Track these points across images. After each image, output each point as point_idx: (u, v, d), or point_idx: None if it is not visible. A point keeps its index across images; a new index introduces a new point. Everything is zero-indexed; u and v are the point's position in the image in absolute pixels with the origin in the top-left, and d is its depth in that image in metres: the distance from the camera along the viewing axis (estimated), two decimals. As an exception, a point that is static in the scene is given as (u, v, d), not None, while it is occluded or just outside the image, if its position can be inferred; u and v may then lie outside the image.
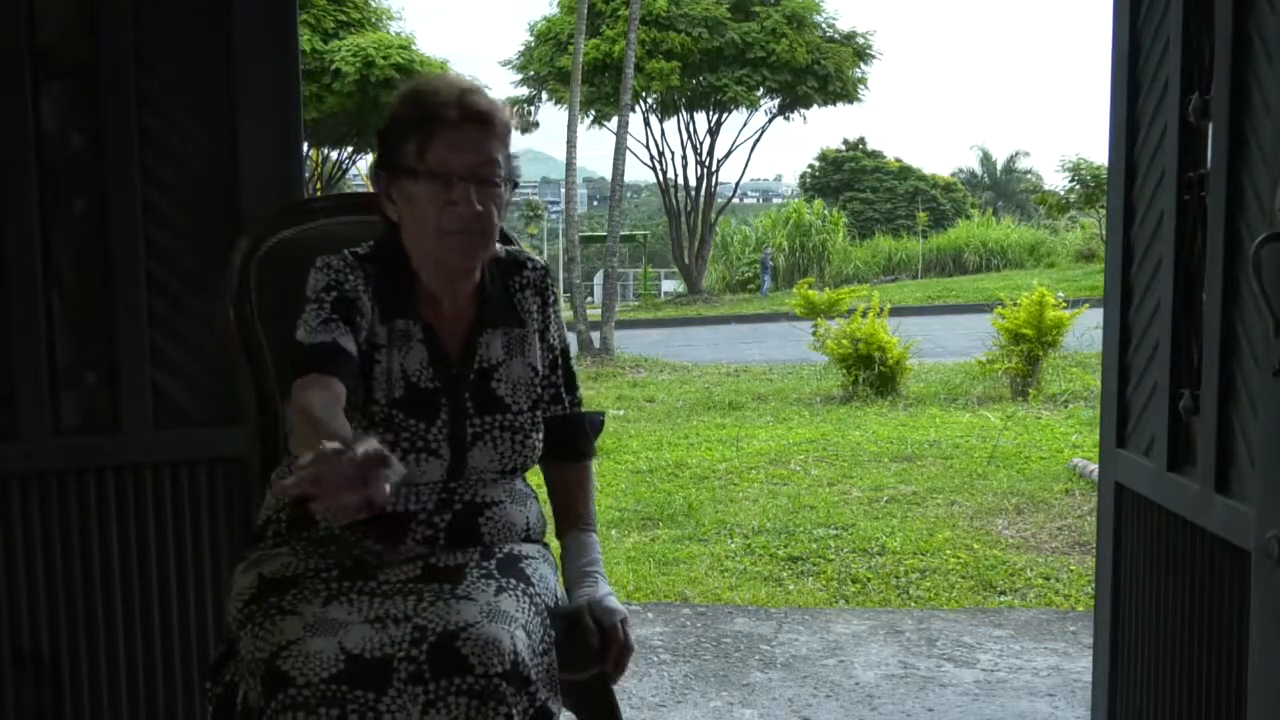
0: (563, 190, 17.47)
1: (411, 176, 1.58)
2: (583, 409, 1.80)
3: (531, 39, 23.85)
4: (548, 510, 1.80)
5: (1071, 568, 4.46)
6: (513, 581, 1.55)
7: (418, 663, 1.40)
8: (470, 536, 1.62)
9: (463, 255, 1.61)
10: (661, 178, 25.34)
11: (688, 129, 25.06)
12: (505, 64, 24.85)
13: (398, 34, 19.37)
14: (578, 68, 14.77)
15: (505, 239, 1.85)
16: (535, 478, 1.79)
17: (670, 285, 30.61)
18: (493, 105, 1.61)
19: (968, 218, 33.94)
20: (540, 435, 1.70)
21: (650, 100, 23.99)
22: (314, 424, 1.39)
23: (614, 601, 1.70)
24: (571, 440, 1.78)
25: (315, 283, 1.61)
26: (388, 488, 1.24)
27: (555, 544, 1.80)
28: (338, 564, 1.56)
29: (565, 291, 14.16)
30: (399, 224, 1.64)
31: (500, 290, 1.70)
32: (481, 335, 1.67)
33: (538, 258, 1.78)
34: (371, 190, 1.73)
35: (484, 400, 1.64)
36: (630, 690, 3.09)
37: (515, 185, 1.66)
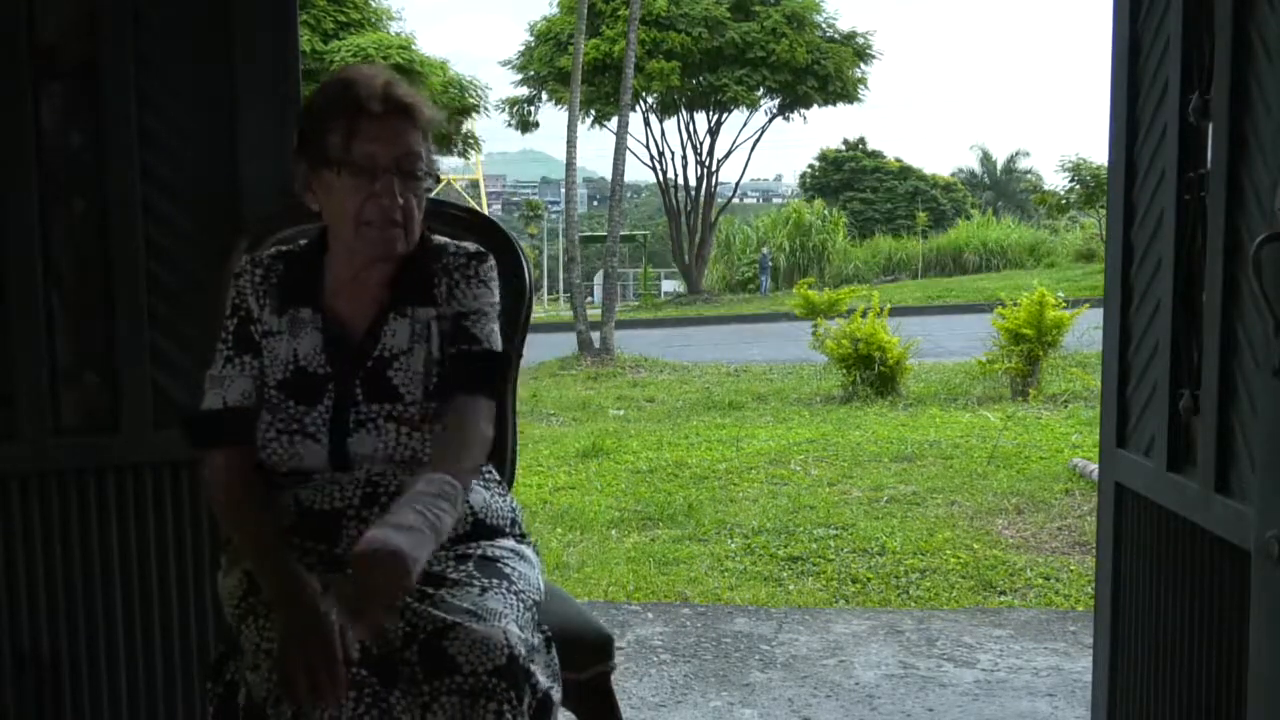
0: (563, 190, 17.47)
1: (335, 168, 1.58)
2: (471, 345, 1.64)
3: (531, 39, 23.84)
4: (532, 498, 1.77)
5: (1071, 568, 4.46)
6: (495, 581, 1.55)
7: (412, 665, 1.42)
8: None
9: (381, 247, 1.60)
10: (661, 178, 25.32)
11: (688, 129, 25.07)
12: (505, 64, 24.85)
13: (398, 34, 19.34)
14: (578, 68, 14.76)
15: (489, 225, 1.84)
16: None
17: (670, 285, 30.59)
18: (416, 98, 1.62)
19: (968, 218, 33.90)
20: (438, 425, 1.62)
21: (650, 100, 23.98)
22: (251, 547, 1.54)
23: (388, 534, 1.38)
24: (454, 377, 1.63)
25: (228, 299, 1.69)
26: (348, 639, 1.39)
27: (539, 538, 1.78)
28: (317, 551, 1.57)
29: (565, 291, 14.14)
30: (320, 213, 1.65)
31: (418, 277, 1.66)
32: (388, 323, 1.64)
33: (472, 246, 1.71)
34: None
35: (376, 388, 1.61)
36: (630, 690, 3.09)
37: (436, 180, 1.67)
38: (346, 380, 1.61)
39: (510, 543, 1.68)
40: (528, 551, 1.70)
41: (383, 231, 1.59)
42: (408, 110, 1.60)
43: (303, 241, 1.73)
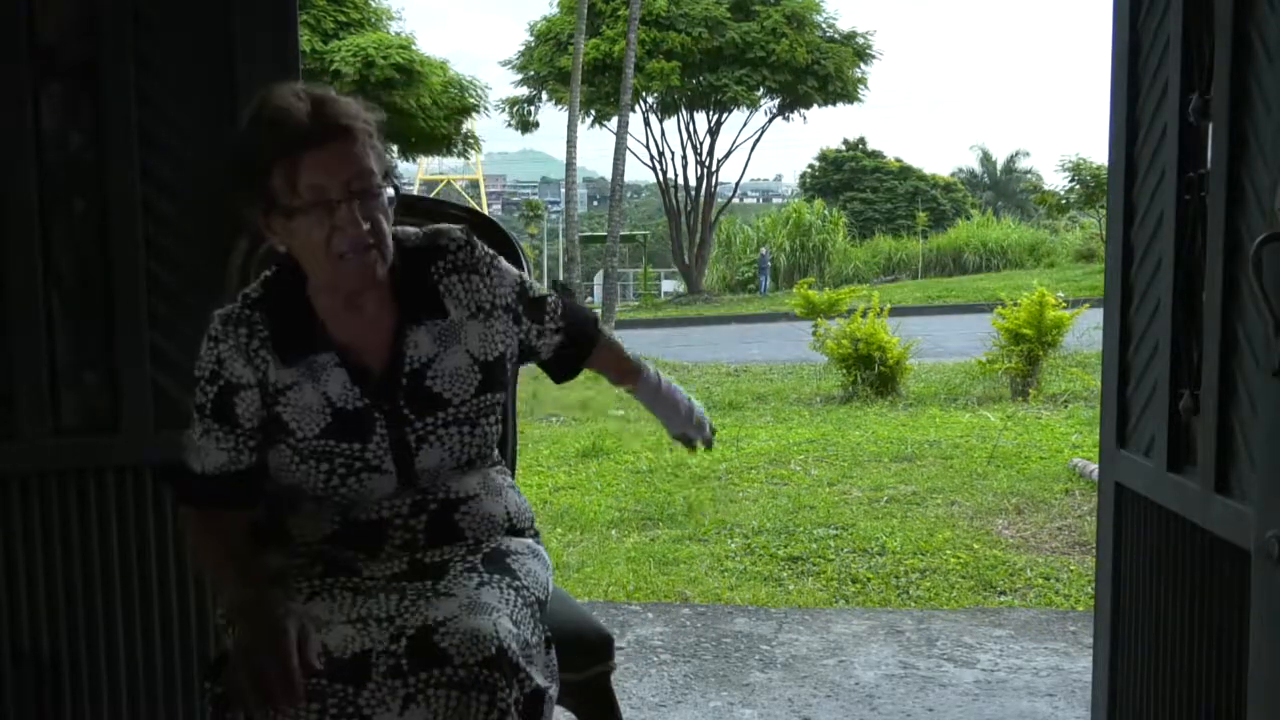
0: (563, 190, 17.49)
1: (288, 213, 1.48)
2: (563, 310, 1.73)
3: (531, 39, 23.87)
4: (532, 498, 1.79)
5: (1071, 568, 4.46)
6: (496, 576, 1.55)
7: (396, 656, 1.41)
8: (450, 533, 1.61)
9: (361, 276, 1.52)
10: (661, 178, 25.33)
11: (688, 129, 25.09)
12: (505, 64, 24.88)
13: (398, 34, 19.33)
14: (578, 68, 14.78)
15: (489, 225, 1.84)
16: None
17: (670, 285, 30.59)
18: (350, 111, 1.50)
19: (968, 218, 33.91)
20: (494, 417, 1.64)
21: (650, 100, 23.99)
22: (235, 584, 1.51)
23: (689, 413, 1.87)
24: (573, 352, 1.77)
25: (199, 363, 1.56)
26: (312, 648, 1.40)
27: (546, 535, 1.79)
28: (321, 560, 1.57)
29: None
30: (288, 252, 1.56)
31: (419, 282, 1.60)
32: (406, 336, 1.58)
33: (454, 229, 1.64)
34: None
35: (422, 401, 1.58)
36: (630, 690, 3.09)
37: (396, 188, 1.56)
38: (390, 404, 1.57)
39: (529, 541, 1.69)
40: (542, 550, 1.71)
41: (360, 258, 1.49)
42: (346, 131, 1.48)
43: (260, 284, 1.60)
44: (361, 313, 1.57)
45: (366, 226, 1.48)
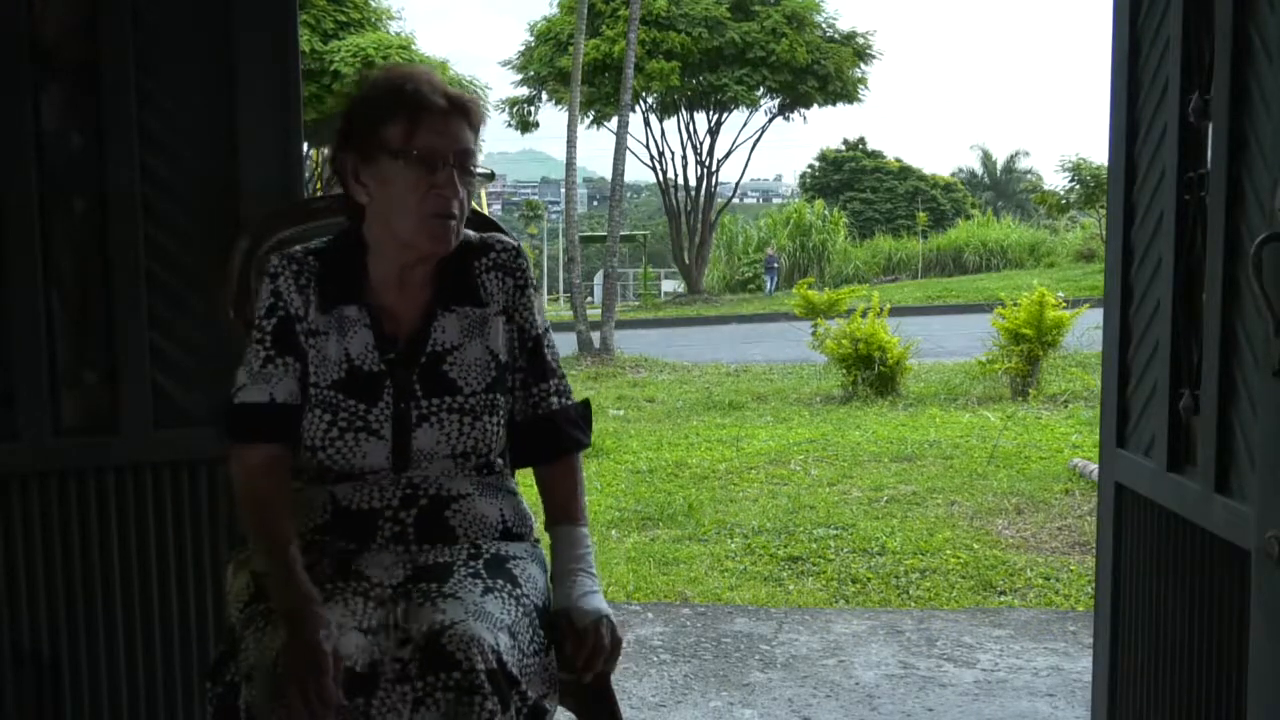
0: (563, 190, 17.47)
1: (395, 158, 1.56)
2: (561, 399, 1.73)
3: (531, 39, 23.85)
4: (531, 498, 1.79)
5: (1071, 568, 4.46)
6: (499, 582, 1.55)
7: (404, 662, 1.42)
8: (441, 531, 1.62)
9: (438, 240, 1.60)
10: (661, 178, 25.33)
11: (688, 129, 25.08)
12: (505, 64, 24.86)
13: (398, 34, 19.33)
14: (578, 68, 14.77)
15: (489, 224, 1.85)
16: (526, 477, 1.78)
17: (670, 285, 30.60)
18: (472, 97, 1.64)
19: (968, 218, 33.94)
20: (497, 419, 1.66)
21: (650, 100, 23.98)
22: (270, 555, 1.51)
23: (594, 600, 1.62)
24: (548, 439, 1.72)
25: (260, 299, 1.64)
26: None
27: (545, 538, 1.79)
28: (326, 558, 1.57)
29: (565, 291, 14.14)
30: (364, 207, 1.63)
31: (461, 272, 1.68)
32: (437, 319, 1.65)
33: (510, 239, 1.75)
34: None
35: (434, 382, 1.62)
36: (630, 690, 3.09)
37: (490, 178, 1.69)
38: (403, 376, 1.61)
39: (526, 545, 1.70)
40: (542, 554, 1.72)
41: (440, 224, 1.59)
42: (467, 109, 1.61)
43: (326, 239, 1.69)
44: (405, 286, 1.65)
45: (459, 196, 1.58)
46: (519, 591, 1.57)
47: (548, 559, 1.73)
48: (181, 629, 2.12)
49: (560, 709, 1.61)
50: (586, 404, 1.78)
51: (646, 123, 24.63)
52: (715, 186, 25.62)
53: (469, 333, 1.66)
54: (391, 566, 1.57)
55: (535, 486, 1.76)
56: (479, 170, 1.63)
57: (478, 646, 1.42)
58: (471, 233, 1.71)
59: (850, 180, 37.59)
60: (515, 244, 1.74)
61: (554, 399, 1.72)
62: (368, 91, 1.63)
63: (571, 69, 14.95)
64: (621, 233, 17.77)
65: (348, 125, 1.63)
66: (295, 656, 1.39)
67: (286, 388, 1.60)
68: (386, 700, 1.41)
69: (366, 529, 1.59)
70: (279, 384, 1.60)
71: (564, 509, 1.72)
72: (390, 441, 1.60)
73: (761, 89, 23.84)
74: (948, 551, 4.74)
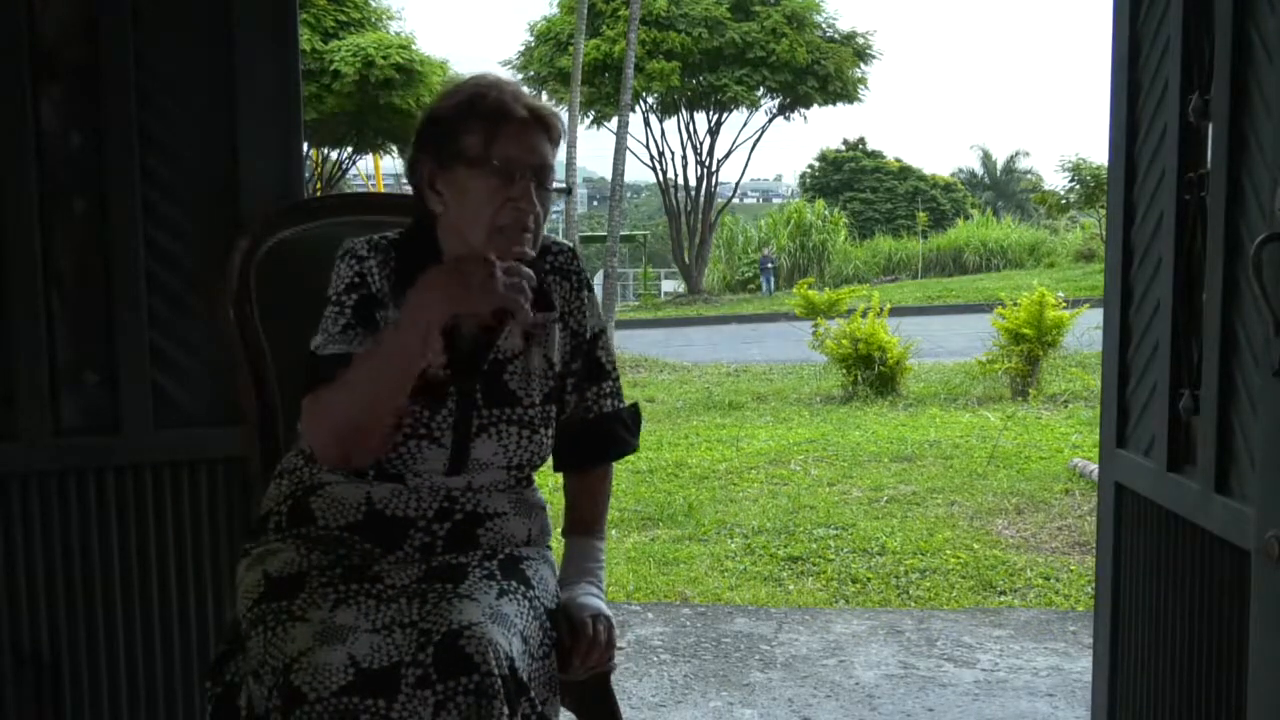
0: (563, 190, 17.43)
1: (473, 167, 1.54)
2: (614, 401, 1.73)
3: (531, 39, 23.85)
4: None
5: (1071, 568, 4.46)
6: (514, 584, 1.55)
7: (424, 666, 1.40)
8: (469, 544, 1.61)
9: (507, 253, 1.55)
10: (661, 178, 25.33)
11: (688, 129, 25.07)
12: (505, 64, 24.84)
13: (398, 34, 19.32)
14: (578, 68, 14.77)
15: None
16: (546, 478, 1.77)
17: (670, 285, 30.58)
18: (554, 111, 1.61)
19: (968, 218, 33.92)
20: (551, 431, 1.66)
21: (650, 100, 23.98)
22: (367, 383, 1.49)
23: (592, 599, 1.66)
24: (596, 443, 1.73)
25: (339, 277, 1.60)
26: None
27: (556, 543, 1.79)
28: (341, 561, 1.56)
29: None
30: (437, 216, 1.60)
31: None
32: (504, 325, 1.62)
33: (564, 240, 1.73)
34: (371, 190, 1.71)
35: (495, 392, 1.60)
36: (630, 690, 3.09)
37: (568, 192, 1.67)
38: (466, 384, 1.59)
39: (538, 548, 1.70)
40: (552, 556, 1.72)
41: (516, 235, 1.55)
42: (548, 122, 1.58)
43: (397, 232, 1.66)
44: None
45: (537, 209, 1.55)
46: (532, 594, 1.56)
47: (555, 561, 1.73)
48: (182, 629, 2.12)
49: (560, 709, 1.61)
50: (635, 407, 1.77)
51: (646, 123, 24.65)
52: (715, 186, 25.62)
53: (531, 340, 1.64)
54: (403, 565, 1.56)
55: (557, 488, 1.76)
56: (556, 185, 1.60)
57: (494, 651, 1.41)
58: None
59: (850, 180, 37.57)
60: (570, 245, 1.72)
61: (606, 401, 1.72)
62: (448, 98, 1.60)
63: (571, 69, 14.95)
64: (621, 233, 17.77)
65: (427, 132, 1.60)
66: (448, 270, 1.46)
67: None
68: (408, 705, 1.39)
69: (396, 536, 1.58)
70: (359, 345, 1.55)
71: (586, 521, 1.75)
72: (450, 450, 1.58)
73: (761, 89, 23.83)
74: (948, 551, 4.74)
